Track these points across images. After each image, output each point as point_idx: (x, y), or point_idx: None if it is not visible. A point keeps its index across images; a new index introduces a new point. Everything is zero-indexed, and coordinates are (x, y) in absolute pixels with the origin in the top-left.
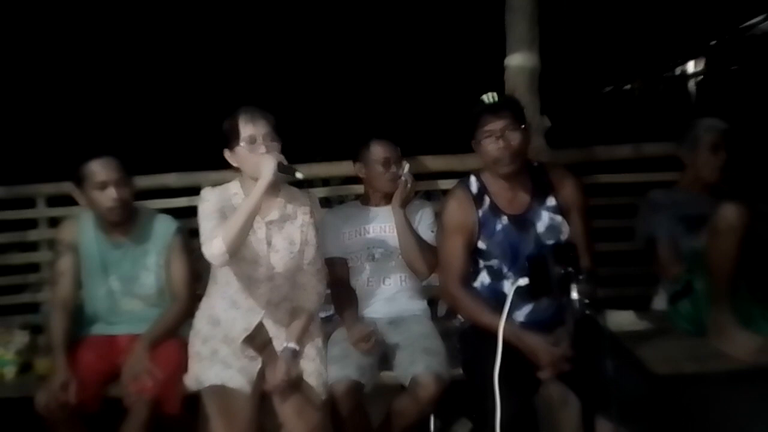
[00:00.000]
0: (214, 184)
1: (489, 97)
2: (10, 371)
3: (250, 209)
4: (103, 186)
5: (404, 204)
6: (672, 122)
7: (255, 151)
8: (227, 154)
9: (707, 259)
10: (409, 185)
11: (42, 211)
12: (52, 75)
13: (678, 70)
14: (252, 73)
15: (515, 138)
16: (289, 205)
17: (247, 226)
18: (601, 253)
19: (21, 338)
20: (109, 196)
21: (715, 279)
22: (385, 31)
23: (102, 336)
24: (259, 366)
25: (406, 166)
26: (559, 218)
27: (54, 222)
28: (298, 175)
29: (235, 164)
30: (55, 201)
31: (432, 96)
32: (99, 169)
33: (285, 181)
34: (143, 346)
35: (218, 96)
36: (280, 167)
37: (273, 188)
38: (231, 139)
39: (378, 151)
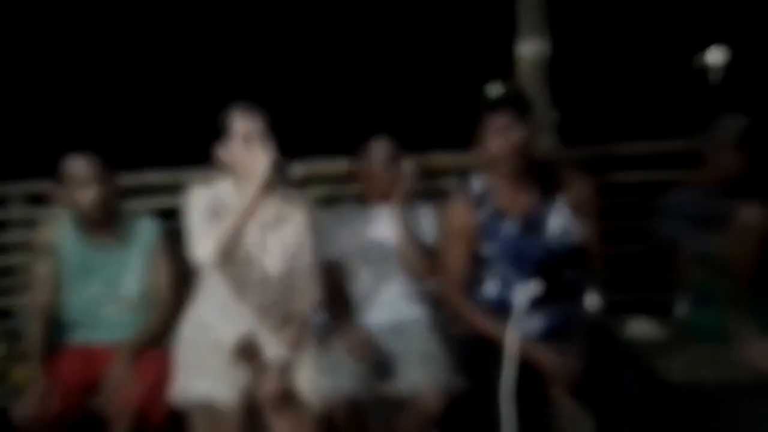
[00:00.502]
0: (199, 182)
1: (492, 92)
2: None
3: (245, 210)
4: (82, 184)
5: (405, 203)
6: (692, 116)
7: (249, 148)
8: (219, 150)
9: (726, 262)
10: (410, 184)
11: (17, 212)
12: (34, 72)
13: (699, 60)
14: (245, 68)
15: (519, 135)
16: (285, 207)
17: (241, 229)
18: (616, 256)
19: None
20: (88, 195)
21: (734, 283)
22: (387, 26)
23: (83, 343)
24: (250, 376)
25: (408, 165)
26: (569, 220)
27: (30, 223)
28: (295, 174)
29: (227, 161)
30: (31, 201)
31: (433, 92)
32: (78, 166)
33: (280, 180)
34: (126, 355)
35: (212, 92)
36: (276, 165)
37: (268, 188)
38: (224, 135)
39: (379, 149)
